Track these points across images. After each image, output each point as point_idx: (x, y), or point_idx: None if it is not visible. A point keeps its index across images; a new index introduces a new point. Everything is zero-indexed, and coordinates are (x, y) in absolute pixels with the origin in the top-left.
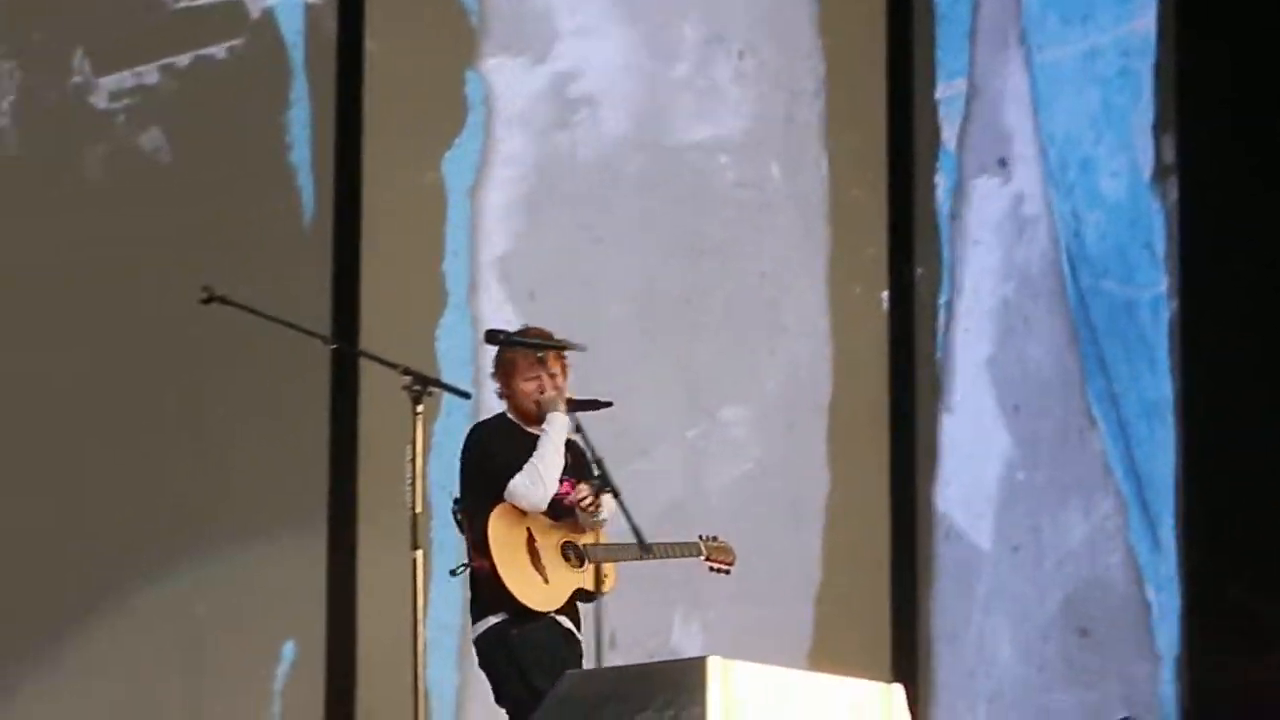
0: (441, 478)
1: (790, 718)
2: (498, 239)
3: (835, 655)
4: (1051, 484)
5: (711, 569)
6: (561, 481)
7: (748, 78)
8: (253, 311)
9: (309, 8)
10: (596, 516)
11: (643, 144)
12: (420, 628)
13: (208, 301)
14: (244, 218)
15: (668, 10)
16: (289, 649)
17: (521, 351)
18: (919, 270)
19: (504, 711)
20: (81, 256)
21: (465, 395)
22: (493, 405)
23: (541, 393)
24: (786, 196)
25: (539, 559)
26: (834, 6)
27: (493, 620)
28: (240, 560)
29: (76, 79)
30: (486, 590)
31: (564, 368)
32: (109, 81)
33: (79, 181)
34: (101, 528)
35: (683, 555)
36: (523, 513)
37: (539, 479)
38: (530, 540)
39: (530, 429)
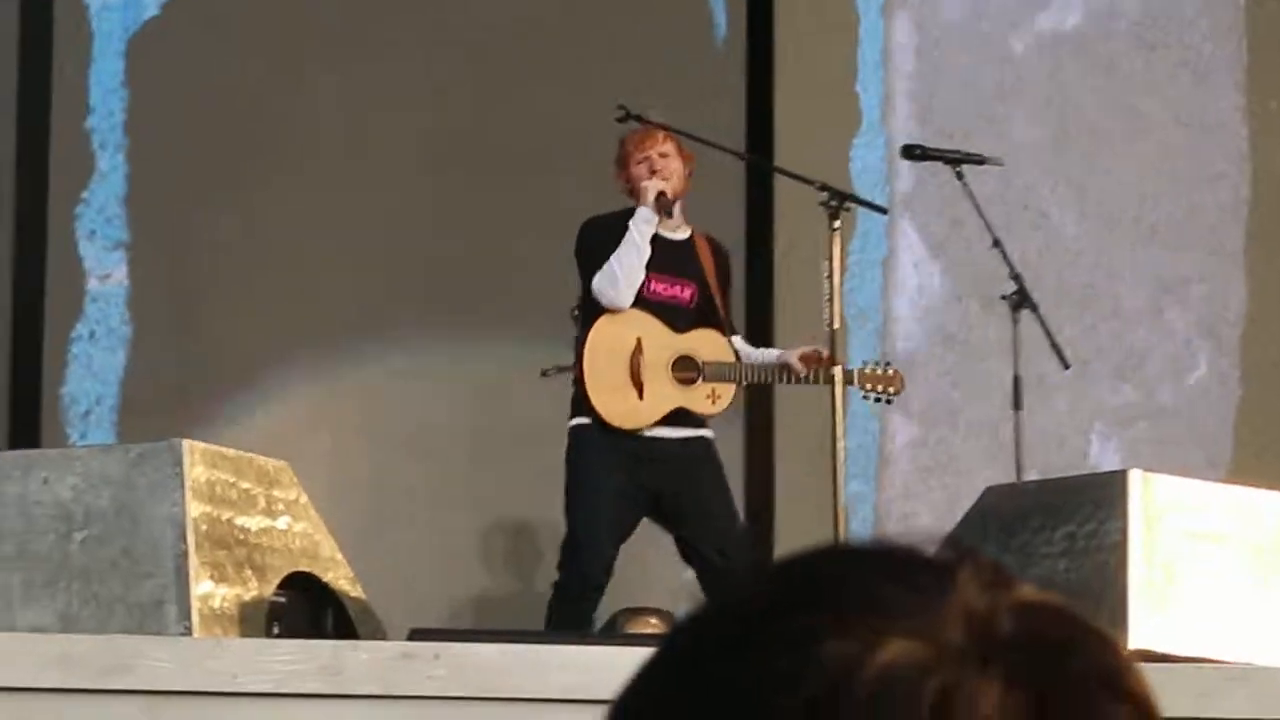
0: (857, 296)
1: (1213, 530)
2: (908, 59)
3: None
4: None
5: (865, 397)
6: (667, 281)
7: None
8: (667, 128)
9: None
10: (802, 376)
11: None
12: (840, 442)
13: (624, 119)
14: (657, 36)
15: None
16: None
17: (636, 136)
18: None
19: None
20: (495, 75)
21: (882, 210)
22: (898, 224)
23: (650, 176)
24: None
25: (640, 371)
26: None
27: (578, 420)
28: None
29: None
30: (579, 396)
31: (682, 155)
32: None
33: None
34: None
35: (826, 383)
36: (644, 319)
37: (614, 277)
38: (636, 349)
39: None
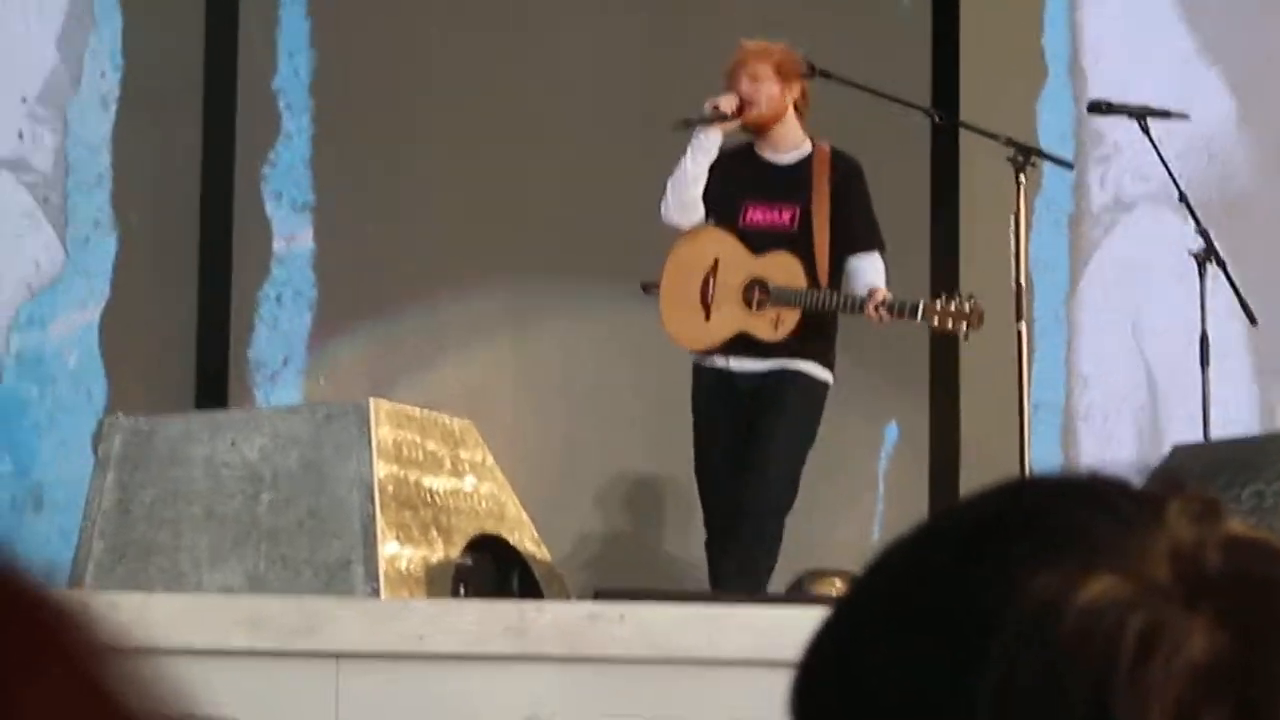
0: (1041, 253)
1: None
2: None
3: None
4: None
5: (935, 330)
6: (765, 208)
7: None
8: (853, 84)
9: None
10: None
11: None
12: (1026, 404)
13: (810, 75)
14: None
15: None
16: (892, 431)
17: (737, 56)
18: None
19: None
20: (669, 30)
21: (1068, 165)
22: (1086, 181)
23: (738, 93)
24: None
25: (710, 291)
26: None
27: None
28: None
29: None
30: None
31: (779, 72)
32: None
33: None
34: None
35: (899, 316)
36: (725, 240)
37: (665, 199)
38: (713, 269)
39: (766, 155)
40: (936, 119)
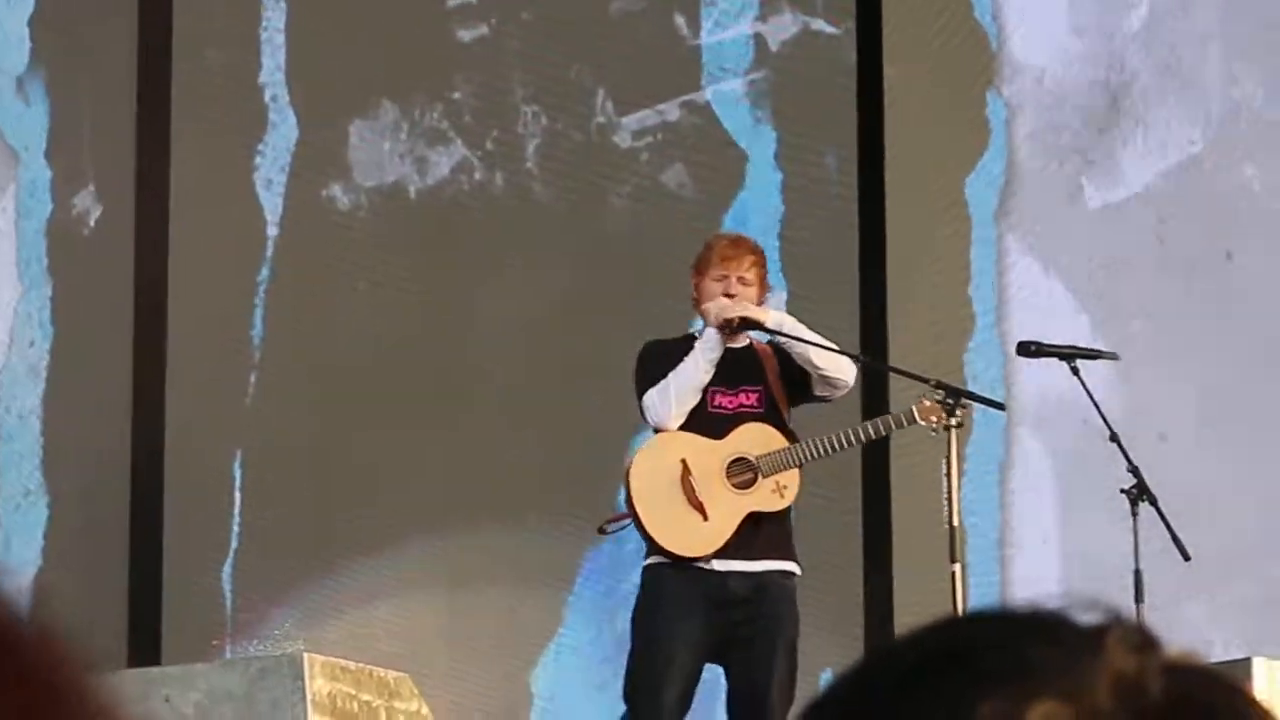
0: (971, 497)
1: None
2: (1017, 260)
3: None
4: None
5: (934, 429)
6: (732, 393)
7: None
8: (778, 333)
9: (827, 37)
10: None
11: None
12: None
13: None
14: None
15: None
16: (826, 678)
17: (724, 247)
18: None
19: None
20: (609, 295)
21: (999, 406)
22: (1021, 420)
23: (727, 295)
24: None
25: (695, 491)
26: None
27: (653, 559)
28: None
29: (599, 119)
30: (647, 539)
31: (761, 281)
32: (631, 121)
33: (605, 222)
34: None
35: (896, 427)
36: (680, 438)
37: (666, 393)
38: (685, 472)
39: None
40: (863, 361)
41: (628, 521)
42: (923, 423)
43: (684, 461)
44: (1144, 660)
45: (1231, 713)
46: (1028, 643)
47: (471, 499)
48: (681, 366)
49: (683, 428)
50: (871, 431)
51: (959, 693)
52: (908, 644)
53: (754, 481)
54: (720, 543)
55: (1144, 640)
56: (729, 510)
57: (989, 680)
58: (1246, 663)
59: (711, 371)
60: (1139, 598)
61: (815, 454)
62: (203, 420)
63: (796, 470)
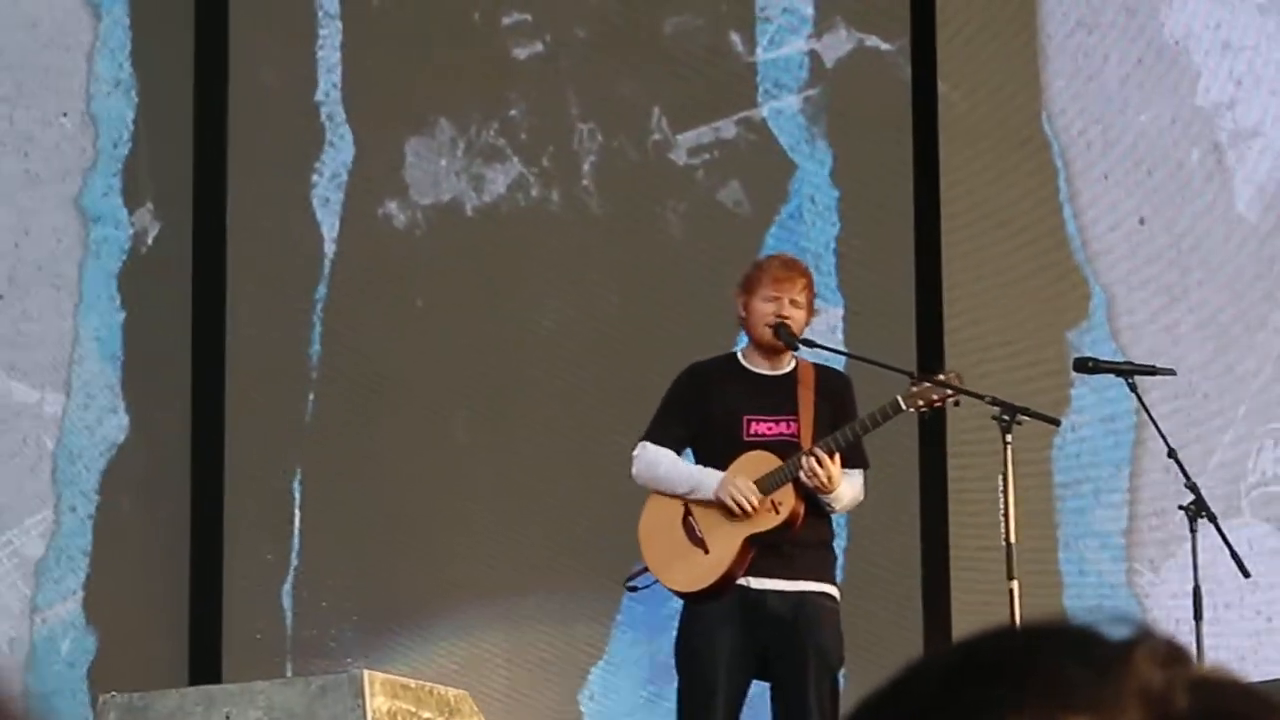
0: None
1: None
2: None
3: None
4: None
5: (924, 411)
6: (771, 420)
7: None
8: (808, 344)
9: (881, 53)
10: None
11: None
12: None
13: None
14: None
15: None
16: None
17: (775, 268)
18: None
19: None
20: (664, 311)
21: (1055, 422)
22: (1079, 440)
23: (779, 316)
24: None
25: (695, 530)
26: None
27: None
28: None
29: (655, 136)
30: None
31: (809, 304)
32: (687, 138)
33: (661, 239)
34: None
35: (883, 421)
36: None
37: (650, 473)
38: (686, 512)
39: (756, 368)
40: (918, 378)
41: (654, 577)
42: (911, 410)
43: (685, 504)
44: (1172, 675)
45: None
46: (1057, 658)
47: (526, 513)
48: (674, 470)
49: (722, 455)
50: (860, 429)
51: (989, 708)
52: (938, 659)
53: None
54: (721, 571)
55: (1172, 655)
56: (727, 539)
57: (1021, 694)
58: None
59: (685, 489)
60: (1198, 614)
61: (803, 465)
62: (262, 439)
63: (791, 486)
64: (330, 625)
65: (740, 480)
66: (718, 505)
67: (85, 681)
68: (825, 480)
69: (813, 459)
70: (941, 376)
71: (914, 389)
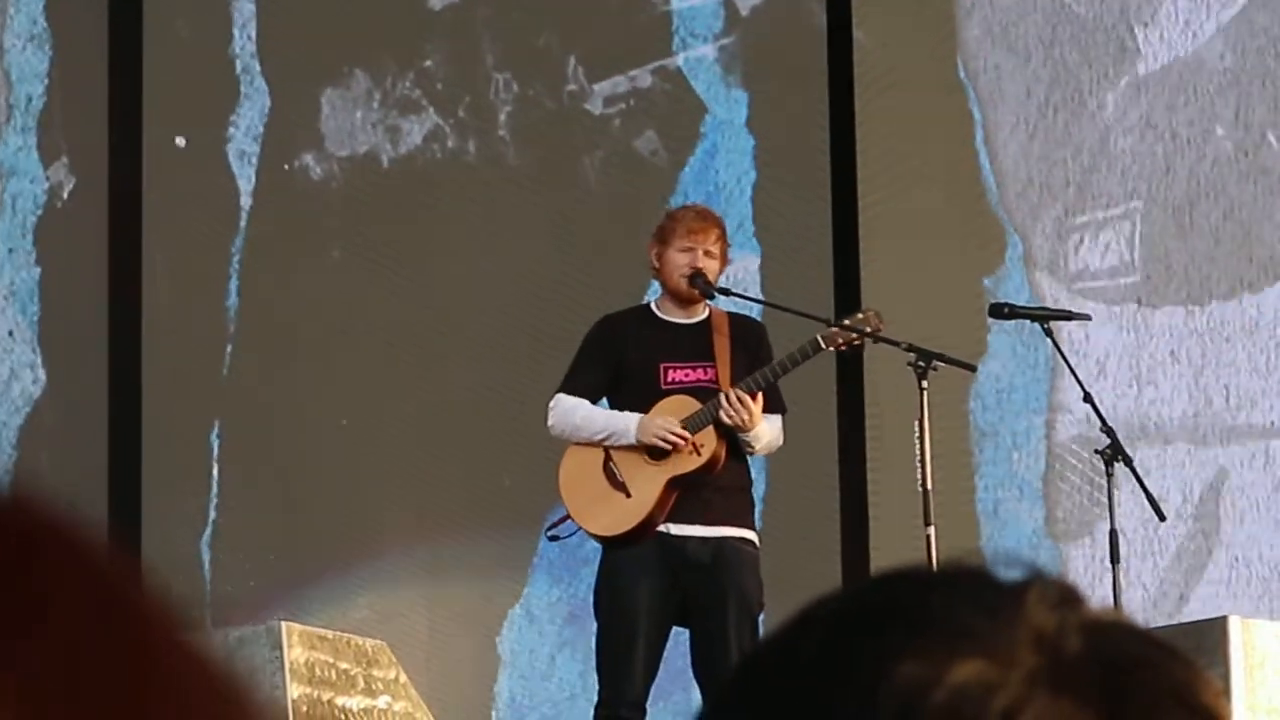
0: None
1: None
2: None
3: None
4: None
5: (843, 349)
6: (688, 367)
7: None
8: (744, 297)
9: (796, 1)
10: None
11: None
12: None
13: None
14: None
15: None
16: None
17: (689, 219)
18: None
19: None
20: (581, 263)
21: (970, 368)
22: (998, 387)
23: (694, 267)
24: None
25: (616, 475)
26: None
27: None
28: None
29: (571, 86)
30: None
31: (723, 255)
32: (603, 87)
33: (578, 189)
34: None
35: (803, 360)
36: None
37: (566, 423)
38: (606, 457)
39: (670, 317)
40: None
41: (576, 525)
42: (830, 349)
43: (605, 450)
44: (1065, 617)
45: (1155, 665)
46: (948, 601)
47: (446, 463)
48: (591, 417)
49: (641, 404)
50: (779, 370)
51: (878, 653)
52: (828, 607)
53: (672, 451)
54: (644, 513)
55: (1065, 597)
56: (648, 482)
57: (912, 639)
58: (1223, 621)
59: (600, 437)
60: (1114, 557)
61: (723, 406)
62: (180, 392)
63: (712, 428)
64: (248, 578)
65: (663, 419)
66: (638, 449)
67: None
68: (747, 419)
69: (734, 395)
70: (860, 315)
71: (833, 328)
